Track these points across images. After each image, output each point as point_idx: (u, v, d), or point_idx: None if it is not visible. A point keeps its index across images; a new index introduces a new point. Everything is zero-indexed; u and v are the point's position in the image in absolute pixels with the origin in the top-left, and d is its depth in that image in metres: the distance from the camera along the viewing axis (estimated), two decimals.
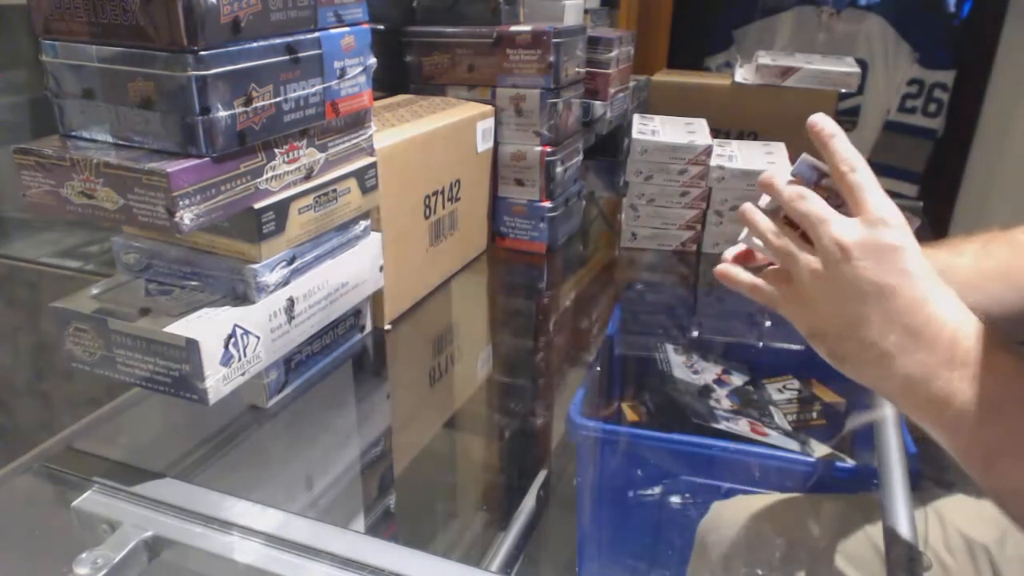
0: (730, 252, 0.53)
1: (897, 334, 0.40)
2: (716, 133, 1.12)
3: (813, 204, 0.44)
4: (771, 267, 0.50)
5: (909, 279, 0.41)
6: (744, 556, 0.61)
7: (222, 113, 0.50)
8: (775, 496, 0.65)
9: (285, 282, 0.60)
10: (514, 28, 0.97)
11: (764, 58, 1.46)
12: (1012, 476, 0.38)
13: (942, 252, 0.57)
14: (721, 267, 0.51)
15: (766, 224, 0.48)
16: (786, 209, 0.46)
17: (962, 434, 0.39)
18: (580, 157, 1.13)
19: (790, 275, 0.46)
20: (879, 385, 0.43)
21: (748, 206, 0.49)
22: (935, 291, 0.41)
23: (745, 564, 0.61)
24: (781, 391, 0.90)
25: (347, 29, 0.61)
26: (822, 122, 0.46)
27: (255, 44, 0.52)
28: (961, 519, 0.60)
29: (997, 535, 0.58)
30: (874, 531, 0.58)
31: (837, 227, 0.42)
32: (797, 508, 0.64)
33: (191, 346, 0.51)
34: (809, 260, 0.44)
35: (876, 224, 0.42)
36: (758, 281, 0.49)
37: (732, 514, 0.64)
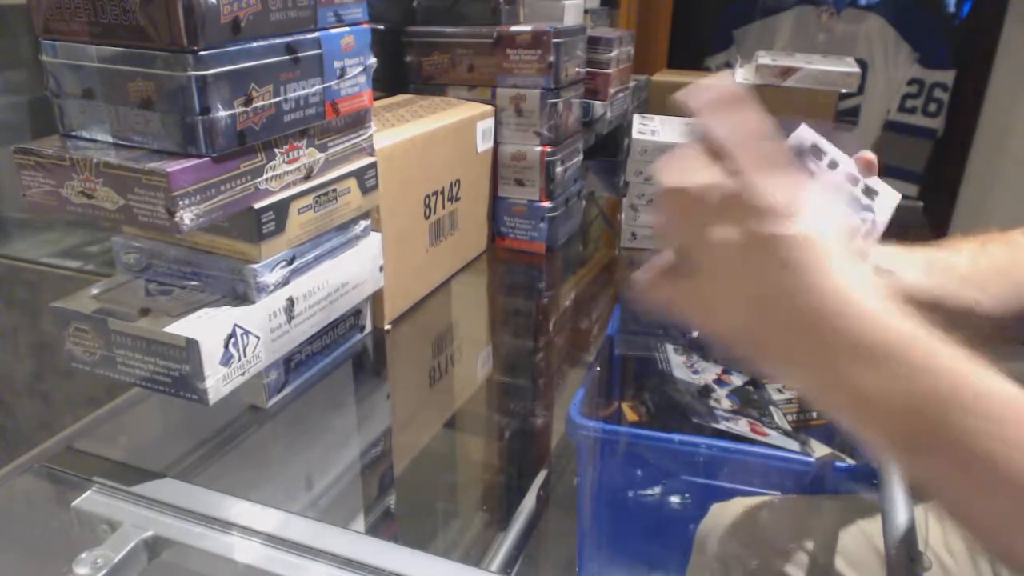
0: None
1: (800, 330, 0.36)
2: None
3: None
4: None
5: (820, 271, 0.36)
6: (743, 558, 0.61)
7: (222, 113, 0.50)
8: (774, 497, 0.65)
9: (285, 282, 0.60)
10: (514, 28, 0.97)
11: (764, 58, 1.46)
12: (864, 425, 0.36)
13: (941, 252, 0.57)
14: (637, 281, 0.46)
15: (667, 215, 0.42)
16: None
17: (883, 434, 0.36)
18: (580, 157, 1.13)
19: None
20: (795, 381, 0.40)
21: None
22: (846, 278, 0.36)
23: (744, 566, 0.61)
24: (781, 391, 0.90)
25: (347, 29, 0.61)
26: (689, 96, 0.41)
27: (255, 44, 0.52)
28: None
29: None
30: (874, 532, 0.58)
31: (753, 217, 0.37)
32: (796, 509, 0.64)
33: (191, 346, 0.51)
34: (718, 254, 0.38)
35: (786, 215, 0.37)
36: (668, 297, 0.44)
37: (731, 516, 0.64)
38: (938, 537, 0.60)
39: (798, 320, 0.36)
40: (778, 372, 0.40)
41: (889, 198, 0.54)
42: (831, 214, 0.38)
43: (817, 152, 0.47)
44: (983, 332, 0.36)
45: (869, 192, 0.53)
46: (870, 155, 0.54)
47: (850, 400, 0.36)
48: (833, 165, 0.52)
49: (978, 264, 0.57)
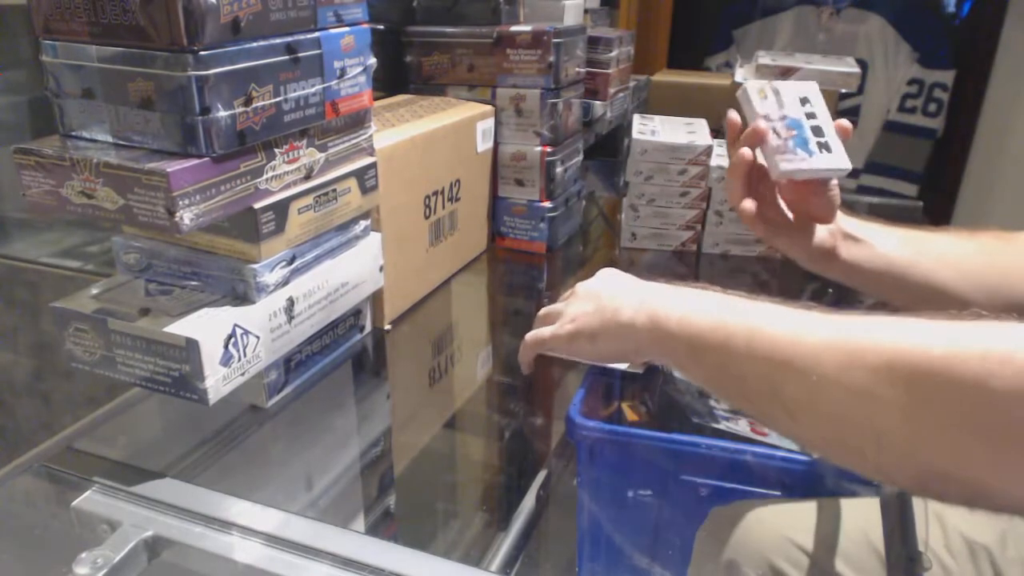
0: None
1: (603, 314, 0.56)
2: (716, 133, 1.12)
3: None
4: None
5: (610, 288, 0.58)
6: (743, 561, 0.61)
7: (222, 113, 0.50)
8: (773, 501, 0.65)
9: (285, 282, 0.60)
10: (514, 28, 0.97)
11: (764, 58, 1.46)
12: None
13: (923, 232, 0.60)
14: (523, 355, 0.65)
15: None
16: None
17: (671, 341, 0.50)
18: (580, 157, 1.13)
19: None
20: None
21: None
22: (626, 294, 0.56)
23: (744, 569, 0.61)
24: None
25: (347, 29, 0.61)
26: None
27: (255, 44, 0.52)
28: (962, 520, 0.60)
29: (998, 536, 0.58)
30: (874, 534, 0.58)
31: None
32: (796, 511, 0.64)
33: (191, 346, 0.51)
34: (560, 305, 0.62)
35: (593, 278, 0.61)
36: (529, 336, 0.64)
37: (730, 520, 0.64)
38: (938, 537, 0.60)
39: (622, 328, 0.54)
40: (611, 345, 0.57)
41: (836, 159, 0.60)
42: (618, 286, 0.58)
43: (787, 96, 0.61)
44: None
45: (821, 145, 0.60)
46: (845, 123, 0.62)
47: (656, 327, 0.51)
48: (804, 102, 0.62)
49: (963, 248, 0.58)
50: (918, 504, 0.56)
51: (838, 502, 0.63)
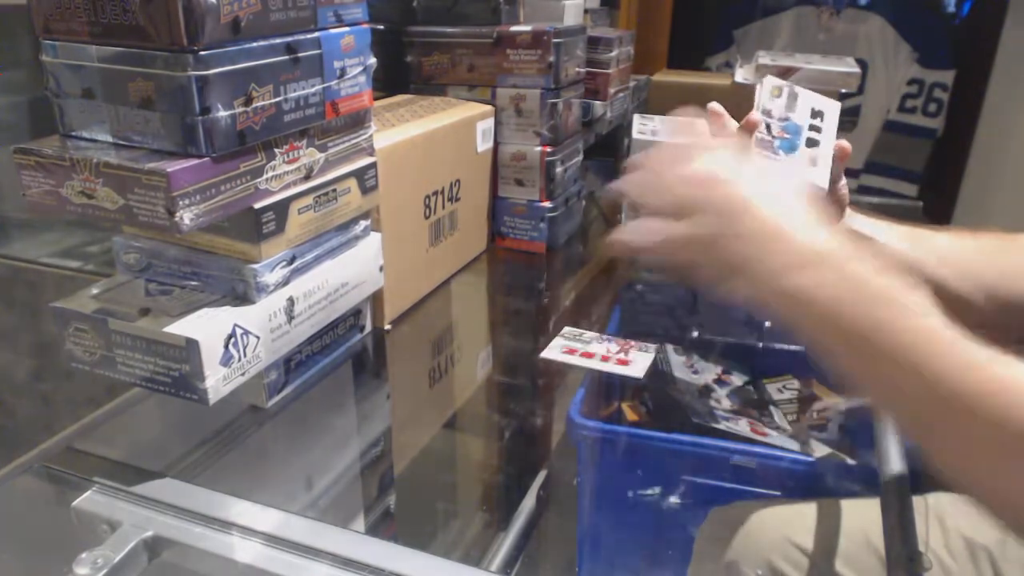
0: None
1: (753, 243, 0.44)
2: None
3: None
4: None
5: (756, 194, 0.46)
6: (743, 562, 0.61)
7: (222, 113, 0.50)
8: (773, 501, 0.65)
9: (285, 282, 0.60)
10: (514, 28, 0.97)
11: (764, 58, 1.46)
12: (855, 367, 0.41)
13: (941, 237, 0.59)
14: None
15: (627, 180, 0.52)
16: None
17: (815, 330, 0.42)
18: (580, 157, 1.13)
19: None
20: (749, 295, 0.45)
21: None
22: (784, 204, 0.46)
23: (744, 570, 0.61)
24: (781, 391, 0.90)
25: (347, 29, 0.61)
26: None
27: (255, 44, 0.52)
28: (962, 521, 0.60)
29: (998, 536, 0.58)
30: (874, 534, 0.58)
31: (685, 166, 0.49)
32: (795, 512, 0.64)
33: (191, 346, 0.51)
34: (664, 199, 0.50)
35: (716, 151, 0.49)
36: (617, 236, 0.52)
37: (730, 520, 0.64)
38: (938, 538, 0.60)
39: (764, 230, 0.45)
40: (739, 283, 0.46)
41: (814, 173, 0.58)
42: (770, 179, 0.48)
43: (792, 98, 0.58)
44: (962, 318, 0.38)
45: (809, 156, 0.59)
46: (846, 145, 0.60)
47: (787, 301, 0.43)
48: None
49: (964, 248, 0.58)
50: (918, 504, 0.56)
51: (838, 503, 0.63)
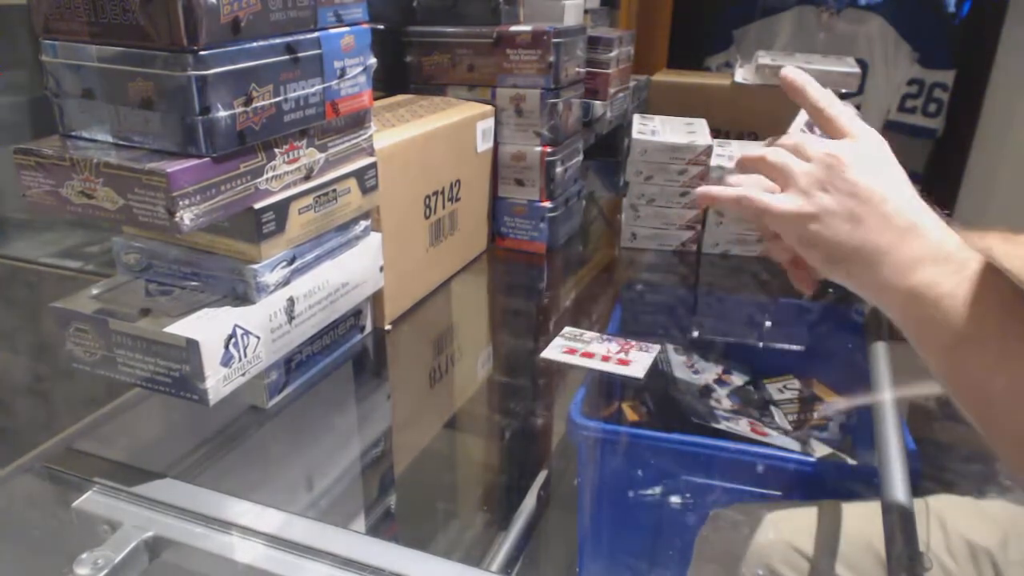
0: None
1: (891, 232, 0.44)
2: (716, 133, 1.12)
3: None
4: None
5: (897, 186, 0.46)
6: (743, 564, 0.61)
7: (222, 113, 0.50)
8: (773, 503, 0.65)
9: (285, 282, 0.60)
10: (514, 28, 0.97)
11: (764, 58, 1.46)
12: (970, 368, 0.41)
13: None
14: (702, 188, 0.54)
15: (759, 152, 0.51)
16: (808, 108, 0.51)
17: (935, 325, 0.42)
18: (580, 157, 1.13)
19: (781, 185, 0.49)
20: (869, 282, 0.45)
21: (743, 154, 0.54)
22: (916, 201, 0.46)
23: (744, 572, 0.61)
24: (781, 391, 0.90)
25: (347, 29, 0.61)
26: (792, 74, 0.51)
27: (255, 44, 0.52)
28: (963, 523, 0.60)
29: (999, 538, 0.58)
30: (874, 537, 0.58)
31: (830, 143, 0.48)
32: (795, 515, 0.64)
33: (191, 346, 0.51)
34: (805, 167, 0.47)
35: (859, 138, 0.48)
36: (745, 191, 0.50)
37: (729, 523, 0.64)
38: (939, 540, 0.60)
39: (902, 222, 0.44)
40: (858, 271, 0.46)
41: None
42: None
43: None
44: None
45: None
46: None
47: (910, 294, 0.42)
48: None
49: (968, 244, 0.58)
50: (919, 506, 0.56)
51: (839, 505, 0.63)
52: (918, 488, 0.54)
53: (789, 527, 0.62)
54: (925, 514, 0.61)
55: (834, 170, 0.46)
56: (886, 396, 0.61)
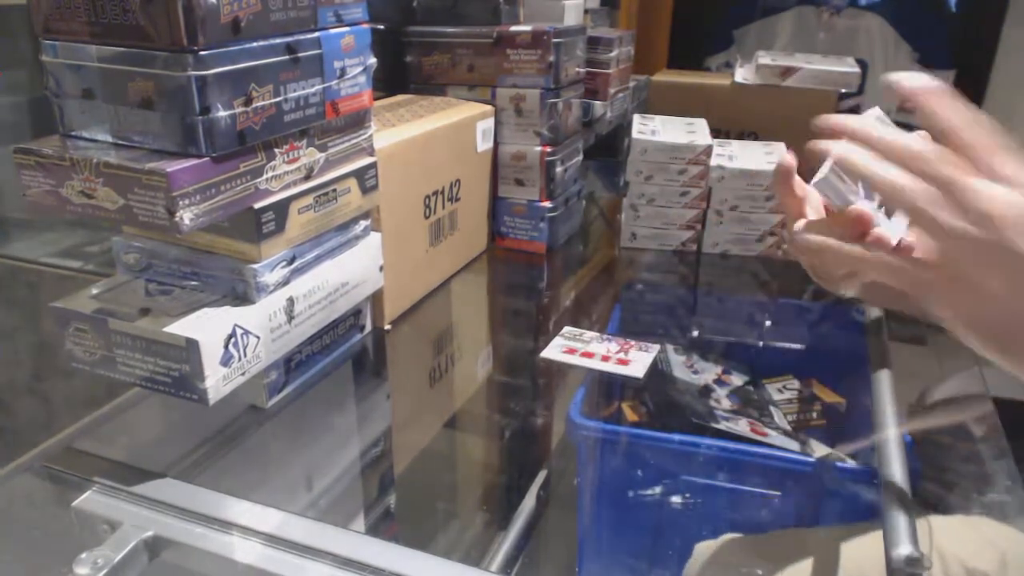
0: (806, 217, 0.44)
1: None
2: (716, 133, 1.12)
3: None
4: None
5: None
6: None
7: (222, 113, 0.50)
8: (760, 535, 0.65)
9: (285, 282, 0.60)
10: (514, 28, 0.97)
11: (764, 58, 1.46)
12: None
13: None
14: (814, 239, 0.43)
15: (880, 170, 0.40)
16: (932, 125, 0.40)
17: None
18: (580, 157, 1.13)
19: (929, 254, 0.39)
20: (989, 318, 0.38)
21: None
22: None
23: None
24: (781, 391, 0.90)
25: (347, 29, 0.61)
26: (915, 82, 0.40)
27: (255, 44, 0.52)
28: (961, 549, 0.59)
29: (997, 562, 0.58)
30: (867, 564, 0.57)
31: (980, 191, 0.38)
32: (784, 545, 0.63)
33: (191, 346, 0.51)
34: (955, 225, 0.37)
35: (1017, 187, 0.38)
36: (891, 259, 0.40)
37: (716, 555, 0.63)
38: (937, 565, 0.59)
39: None
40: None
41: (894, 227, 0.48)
42: None
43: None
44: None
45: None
46: None
47: None
48: None
49: None
50: (921, 531, 0.55)
51: (826, 533, 0.62)
52: (918, 488, 0.54)
53: (777, 557, 0.61)
54: (922, 537, 0.61)
55: (1000, 234, 0.37)
56: (886, 396, 0.61)
